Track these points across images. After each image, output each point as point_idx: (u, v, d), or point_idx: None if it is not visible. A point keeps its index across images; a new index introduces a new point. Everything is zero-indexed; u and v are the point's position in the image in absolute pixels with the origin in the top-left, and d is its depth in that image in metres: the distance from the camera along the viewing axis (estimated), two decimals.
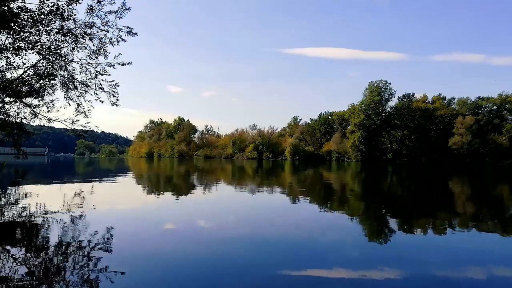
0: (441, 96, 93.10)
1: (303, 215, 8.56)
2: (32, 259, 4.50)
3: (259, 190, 14.50)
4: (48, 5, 10.11)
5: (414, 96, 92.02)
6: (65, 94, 11.82)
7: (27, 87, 11.25)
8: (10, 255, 4.64)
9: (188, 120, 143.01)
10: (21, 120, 11.86)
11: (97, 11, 10.84)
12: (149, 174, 26.24)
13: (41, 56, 10.95)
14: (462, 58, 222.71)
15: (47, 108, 11.89)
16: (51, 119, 11.88)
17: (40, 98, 11.68)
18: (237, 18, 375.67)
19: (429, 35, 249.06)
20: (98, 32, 11.13)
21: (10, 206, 8.69)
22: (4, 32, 9.94)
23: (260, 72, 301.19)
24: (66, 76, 11.60)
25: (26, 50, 10.53)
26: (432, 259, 4.87)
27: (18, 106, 11.60)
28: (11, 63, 10.76)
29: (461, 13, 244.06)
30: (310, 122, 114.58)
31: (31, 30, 10.30)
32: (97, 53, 11.38)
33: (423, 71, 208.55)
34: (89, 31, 11.05)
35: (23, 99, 11.46)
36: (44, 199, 10.05)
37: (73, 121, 11.84)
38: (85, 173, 27.27)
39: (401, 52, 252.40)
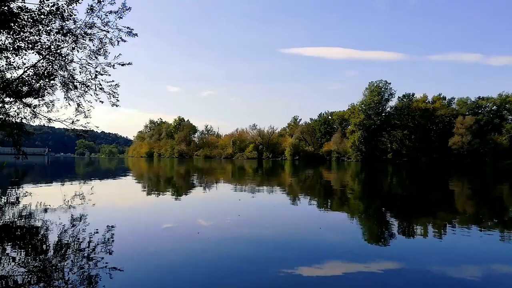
0: (441, 96, 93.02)
1: (303, 215, 8.57)
2: (32, 258, 4.51)
3: (259, 190, 14.50)
4: (48, 5, 10.10)
5: (414, 96, 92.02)
6: (65, 94, 11.80)
7: (27, 87, 11.23)
8: (9, 254, 4.64)
9: (188, 120, 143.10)
10: (21, 120, 11.84)
11: (97, 11, 10.82)
12: (149, 174, 26.23)
13: (41, 56, 10.94)
14: (460, 57, 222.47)
15: (47, 108, 11.87)
16: (51, 119, 11.87)
17: (40, 98, 11.65)
18: (236, 18, 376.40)
19: (427, 35, 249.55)
20: (98, 32, 11.11)
21: (9, 206, 8.69)
22: (4, 32, 9.93)
23: (259, 72, 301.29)
24: (66, 76, 11.59)
25: (26, 50, 10.51)
26: (432, 258, 4.87)
27: (18, 106, 11.59)
28: (11, 63, 10.74)
29: (459, 12, 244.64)
30: (310, 122, 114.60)
31: (31, 30, 10.28)
32: (97, 53, 11.36)
33: (421, 71, 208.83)
34: (89, 31, 11.03)
35: (23, 99, 11.44)
36: (43, 198, 10.05)
37: (73, 121, 11.82)
38: (85, 173, 27.25)
39: (399, 52, 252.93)
